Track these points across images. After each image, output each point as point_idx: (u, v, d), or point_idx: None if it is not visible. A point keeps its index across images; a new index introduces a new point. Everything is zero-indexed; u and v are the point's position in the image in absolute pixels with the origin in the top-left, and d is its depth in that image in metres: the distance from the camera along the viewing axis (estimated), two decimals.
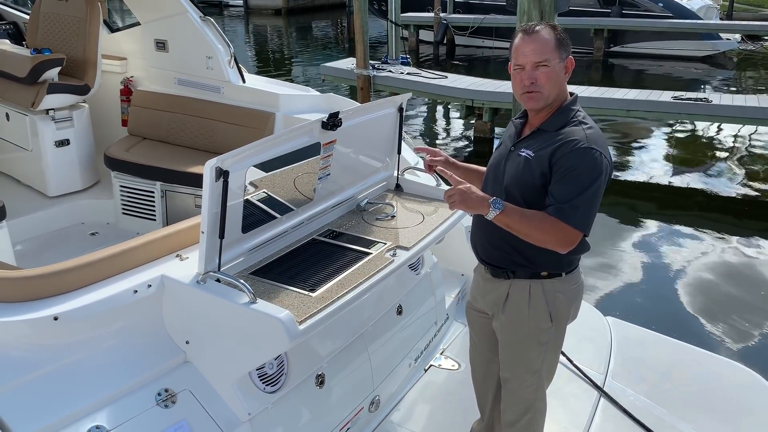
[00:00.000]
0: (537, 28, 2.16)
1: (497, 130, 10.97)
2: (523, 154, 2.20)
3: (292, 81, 4.60)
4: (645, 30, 18.49)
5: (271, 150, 2.27)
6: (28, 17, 5.29)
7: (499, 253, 2.31)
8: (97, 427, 1.88)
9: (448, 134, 12.14)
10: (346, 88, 13.25)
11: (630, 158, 10.35)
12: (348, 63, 12.70)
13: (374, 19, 17.78)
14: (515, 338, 2.36)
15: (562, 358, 3.34)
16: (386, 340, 2.89)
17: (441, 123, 12.97)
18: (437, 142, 11.47)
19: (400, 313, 3.00)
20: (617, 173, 9.53)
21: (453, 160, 2.60)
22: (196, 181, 3.85)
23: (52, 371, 1.89)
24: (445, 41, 20.20)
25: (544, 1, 3.95)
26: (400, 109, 2.97)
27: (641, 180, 9.34)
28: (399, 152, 3.08)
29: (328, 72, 12.89)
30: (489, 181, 2.38)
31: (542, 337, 2.32)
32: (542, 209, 2.13)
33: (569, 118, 2.18)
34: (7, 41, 4.75)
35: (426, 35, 20.58)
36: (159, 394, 2.04)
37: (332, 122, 2.48)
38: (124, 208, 4.12)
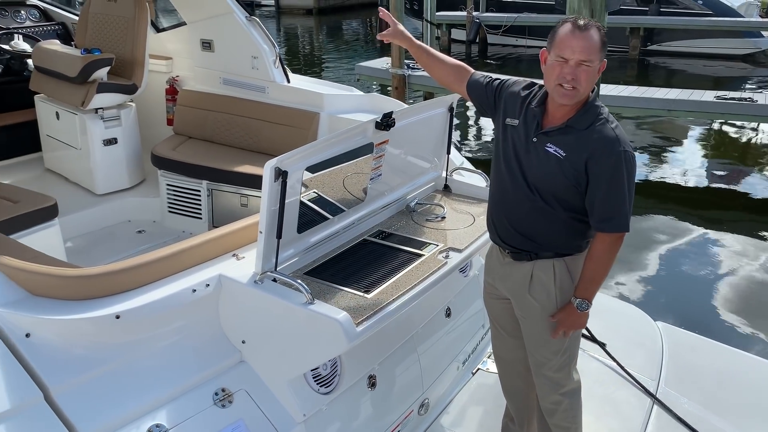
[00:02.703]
0: (588, 25, 2.13)
1: None
2: (552, 150, 2.18)
3: (321, 79, 4.58)
4: (683, 28, 18.10)
5: (328, 150, 2.27)
6: (75, 17, 5.40)
7: (523, 239, 2.32)
8: (157, 425, 1.90)
9: (480, 133, 12.05)
10: (377, 87, 13.24)
11: (669, 159, 10.15)
12: (383, 62, 12.68)
13: (406, 18, 17.75)
14: (543, 320, 2.36)
15: (612, 363, 3.29)
16: (435, 343, 2.87)
17: (473, 121, 12.88)
18: (468, 140, 11.39)
19: (448, 315, 2.98)
20: (658, 175, 9.36)
21: (406, 33, 2.58)
22: (241, 180, 3.87)
23: (113, 369, 1.91)
24: (477, 40, 20.07)
25: (594, 0, 3.88)
26: (450, 109, 2.95)
27: (681, 182, 9.15)
28: (448, 152, 3.05)
29: (363, 71, 12.90)
30: (502, 170, 2.33)
31: None
32: (574, 204, 2.19)
33: (596, 114, 2.17)
34: (57, 41, 4.84)
35: (458, 34, 20.47)
36: (216, 394, 2.05)
37: (386, 122, 2.47)
38: (170, 207, 4.16)
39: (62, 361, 1.83)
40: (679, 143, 11.02)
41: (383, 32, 2.57)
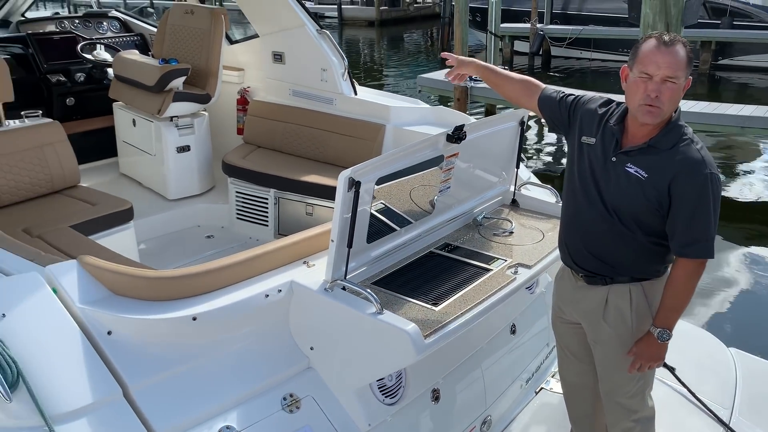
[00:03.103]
0: (674, 40, 2.06)
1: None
2: (632, 171, 2.11)
3: (382, 90, 4.63)
4: (757, 42, 17.43)
5: (399, 162, 2.29)
6: (152, 29, 5.63)
7: (598, 262, 2.25)
8: (228, 427, 1.94)
9: (543, 146, 11.88)
10: (435, 98, 13.25)
11: (741, 177, 9.75)
12: (445, 74, 12.67)
13: (470, 31, 17.76)
14: (618, 346, 2.28)
15: (682, 388, 3.17)
16: (499, 359, 2.84)
17: (536, 134, 12.72)
18: (530, 153, 11.25)
19: (513, 332, 2.94)
20: (729, 194, 9.01)
21: (467, 60, 2.60)
22: (307, 189, 3.94)
23: (188, 369, 1.97)
24: (540, 52, 19.87)
25: (671, 14, 3.77)
26: (522, 123, 2.92)
27: (755, 201, 8.78)
28: (517, 167, 3.03)
29: (425, 83, 12.94)
30: (576, 190, 2.26)
31: None
32: (654, 227, 2.12)
33: (680, 135, 2.10)
34: (136, 52, 5.05)
35: (521, 46, 20.33)
36: (284, 399, 2.08)
37: (457, 135, 2.47)
38: (238, 213, 4.27)
39: (140, 359, 1.90)
40: (751, 161, 10.58)
41: (451, 71, 2.63)
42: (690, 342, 3.65)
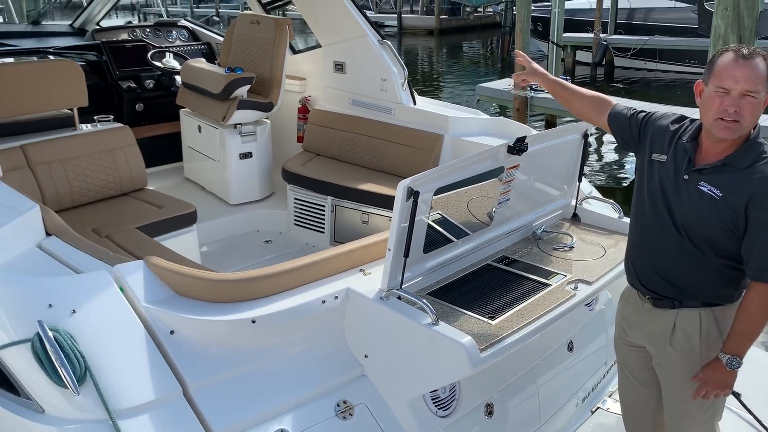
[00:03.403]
0: (753, 53, 1.97)
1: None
2: (706, 190, 2.02)
3: (439, 99, 4.63)
4: None
5: (459, 172, 2.28)
6: (219, 38, 5.80)
7: (667, 285, 2.17)
8: (282, 429, 1.96)
9: (606, 160, 11.62)
10: (495, 108, 13.14)
11: None
12: (504, 83, 12.59)
13: (531, 41, 17.58)
14: (685, 372, 2.19)
15: (747, 415, 3.04)
16: (555, 376, 2.78)
17: (598, 146, 12.46)
18: (594, 168, 11.02)
19: (570, 349, 2.88)
20: None
21: (540, 69, 2.59)
22: (364, 197, 3.97)
23: (246, 371, 2.01)
24: (603, 63, 19.48)
25: (744, 25, 3.63)
26: (585, 136, 2.87)
27: None
28: (579, 180, 2.97)
29: (484, 92, 12.87)
30: (646, 209, 2.19)
31: None
32: (728, 250, 2.04)
33: (759, 153, 2.00)
34: (203, 60, 5.21)
35: (583, 56, 19.96)
36: (338, 405, 2.09)
37: (518, 147, 2.45)
38: (296, 220, 4.34)
39: (200, 359, 1.95)
40: None
41: (519, 73, 2.62)
42: (757, 366, 3.49)
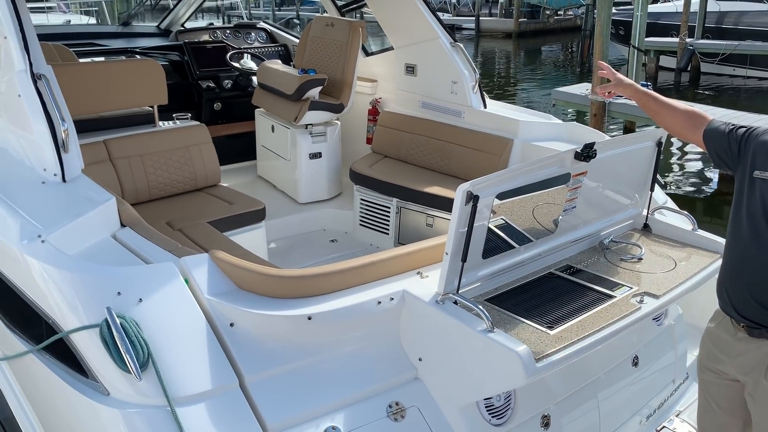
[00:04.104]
0: None
1: None
2: None
3: (514, 104, 4.55)
4: None
5: (522, 177, 2.24)
6: (295, 40, 5.93)
7: (765, 312, 2.02)
8: (333, 427, 1.98)
9: (685, 168, 11.13)
10: (573, 113, 12.82)
11: None
12: (582, 88, 12.28)
13: (612, 45, 17.08)
14: None
15: None
16: (618, 391, 2.68)
17: (679, 155, 11.95)
18: (674, 177, 10.57)
19: (635, 364, 2.77)
20: None
21: (626, 80, 2.48)
22: (429, 200, 3.96)
23: (300, 367, 2.04)
24: (689, 68, 18.66)
25: None
26: (659, 144, 2.76)
27: None
28: (652, 189, 2.86)
29: (561, 97, 12.60)
30: (743, 230, 2.05)
31: None
32: None
33: None
34: (279, 61, 5.34)
35: (667, 61, 19.18)
36: (390, 406, 2.10)
37: (586, 153, 2.38)
38: (361, 220, 4.38)
39: (258, 352, 1.99)
40: None
41: (605, 86, 2.53)
42: None
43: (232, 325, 2.00)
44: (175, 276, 2.05)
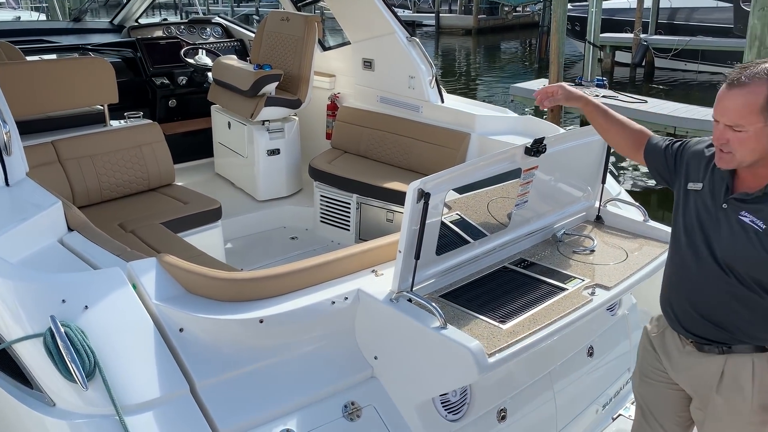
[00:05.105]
0: (745, 79, 1.76)
1: None
2: (748, 221, 1.84)
3: (475, 99, 4.57)
4: None
5: (473, 174, 2.25)
6: (252, 35, 5.85)
7: (713, 328, 1.97)
8: (288, 430, 1.96)
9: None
10: (531, 109, 12.97)
11: None
12: (539, 83, 12.44)
13: (568, 40, 17.30)
14: (733, 422, 2.00)
15: None
16: (573, 382, 2.72)
17: None
18: (629, 172, 10.77)
19: (591, 354, 2.81)
20: None
21: (575, 92, 2.29)
22: (389, 196, 3.96)
23: (253, 371, 2.01)
24: (643, 63, 19.02)
25: None
26: None
27: None
28: (603, 182, 2.90)
29: (518, 92, 12.74)
30: (682, 244, 2.01)
31: (763, 416, 1.96)
32: None
33: None
34: (235, 57, 5.26)
35: (623, 57, 19.55)
36: (346, 406, 2.09)
37: (536, 148, 2.40)
38: (322, 217, 4.35)
39: (209, 357, 1.96)
40: None
41: (551, 99, 2.35)
42: None
43: (181, 330, 1.96)
44: (123, 281, 2.01)
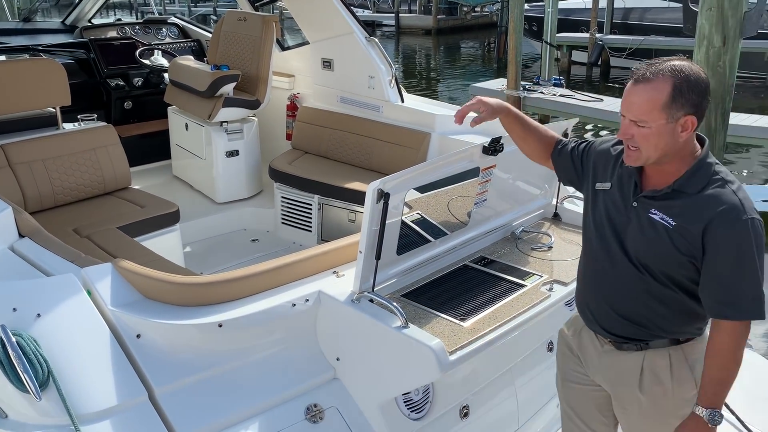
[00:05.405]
0: (651, 75, 1.76)
1: None
2: (658, 218, 1.84)
3: (435, 99, 4.60)
4: None
5: (432, 174, 2.26)
6: (209, 35, 5.78)
7: (631, 326, 1.96)
8: None
9: None
10: None
11: None
12: (498, 83, 12.60)
13: (525, 40, 17.55)
14: (655, 416, 1.99)
15: (732, 417, 3.02)
16: (534, 377, 2.76)
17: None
18: None
19: (550, 349, 2.85)
20: None
21: (500, 106, 2.14)
22: (351, 196, 3.95)
23: (214, 376, 1.99)
24: (599, 63, 19.41)
25: (728, 25, 3.59)
26: (565, 135, 2.84)
27: None
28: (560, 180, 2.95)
29: (478, 92, 12.85)
30: (593, 244, 2.00)
31: (685, 410, 1.94)
32: (691, 282, 1.84)
33: (709, 175, 1.82)
34: (191, 57, 5.19)
35: (579, 56, 19.90)
36: (308, 409, 2.08)
37: (494, 147, 2.43)
38: (283, 218, 4.32)
39: (167, 363, 1.93)
40: None
41: (477, 119, 2.20)
42: (743, 367, 3.48)
43: (139, 336, 1.93)
44: (77, 288, 1.96)
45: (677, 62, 1.80)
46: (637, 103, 1.77)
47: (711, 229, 1.75)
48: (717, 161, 1.88)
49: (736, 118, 8.85)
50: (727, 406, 3.03)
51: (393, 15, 32.60)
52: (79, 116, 4.01)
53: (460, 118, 2.17)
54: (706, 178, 1.82)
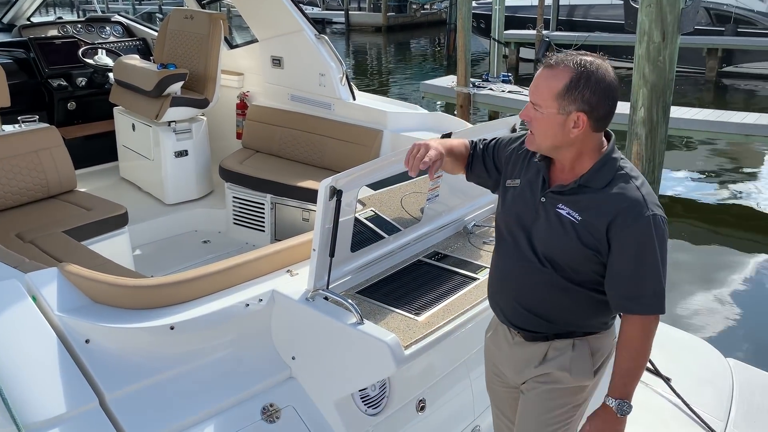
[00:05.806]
0: (555, 63, 1.79)
1: None
2: (564, 213, 1.84)
3: (387, 96, 4.63)
4: (762, 49, 17.25)
5: (384, 170, 2.27)
6: (155, 34, 5.66)
7: (537, 320, 1.97)
8: None
9: None
10: (442, 105, 13.24)
11: (742, 186, 9.65)
12: (448, 80, 12.71)
13: (473, 37, 17.78)
14: (548, 402, 2.01)
15: (676, 399, 3.14)
16: None
17: None
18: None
19: None
20: (730, 202, 8.92)
21: (442, 149, 1.98)
22: (304, 195, 3.94)
23: (166, 379, 1.96)
24: None
25: (667, 21, 3.72)
26: (513, 130, 2.89)
27: (756, 209, 8.69)
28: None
29: (428, 89, 12.96)
30: (504, 241, 2.01)
31: (579, 398, 2.01)
32: (596, 276, 1.86)
33: (615, 170, 1.83)
34: (137, 56, 5.07)
35: (527, 53, 20.27)
36: (264, 409, 2.06)
37: None
38: (235, 218, 4.27)
39: (118, 368, 1.89)
40: (755, 169, 10.48)
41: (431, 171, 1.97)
42: (686, 351, 3.62)
43: (87, 341, 1.88)
44: (21, 294, 1.90)
45: (588, 58, 1.81)
46: (537, 86, 1.81)
47: (614, 224, 1.77)
48: (623, 156, 1.90)
49: (677, 112, 9.20)
50: (674, 390, 3.15)
51: (343, 12, 32.53)
52: (19, 117, 3.87)
53: (414, 171, 1.98)
54: (611, 173, 1.83)
